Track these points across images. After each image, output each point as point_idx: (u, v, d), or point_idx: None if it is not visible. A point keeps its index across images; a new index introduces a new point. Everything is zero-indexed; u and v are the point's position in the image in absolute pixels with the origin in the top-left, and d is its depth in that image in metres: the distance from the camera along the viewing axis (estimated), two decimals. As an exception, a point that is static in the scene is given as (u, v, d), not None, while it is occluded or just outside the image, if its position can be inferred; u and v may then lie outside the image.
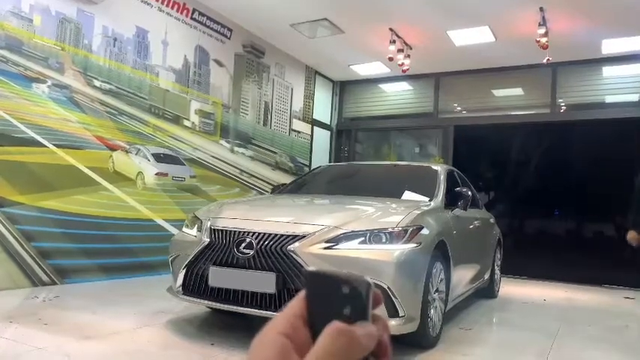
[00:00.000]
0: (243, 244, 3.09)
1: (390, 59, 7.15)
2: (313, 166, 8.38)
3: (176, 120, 6.23)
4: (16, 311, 3.67)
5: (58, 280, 4.77)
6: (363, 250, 3.01)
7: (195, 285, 3.26)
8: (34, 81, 4.69)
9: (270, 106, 7.97)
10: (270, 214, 3.42)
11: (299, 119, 8.71)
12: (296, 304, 0.39)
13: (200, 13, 6.49)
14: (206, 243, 3.23)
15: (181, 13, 6.22)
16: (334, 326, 0.36)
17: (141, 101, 5.75)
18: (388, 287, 2.88)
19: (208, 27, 6.65)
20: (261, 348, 0.37)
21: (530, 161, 13.25)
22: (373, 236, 3.05)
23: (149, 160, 5.83)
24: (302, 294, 0.39)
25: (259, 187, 7.66)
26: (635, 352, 3.69)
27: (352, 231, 3.06)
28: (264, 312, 2.95)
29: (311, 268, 0.39)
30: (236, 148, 7.25)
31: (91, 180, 5.15)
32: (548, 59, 6.60)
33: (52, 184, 4.78)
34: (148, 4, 5.78)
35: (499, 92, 8.79)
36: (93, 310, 3.81)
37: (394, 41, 7.05)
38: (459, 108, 8.99)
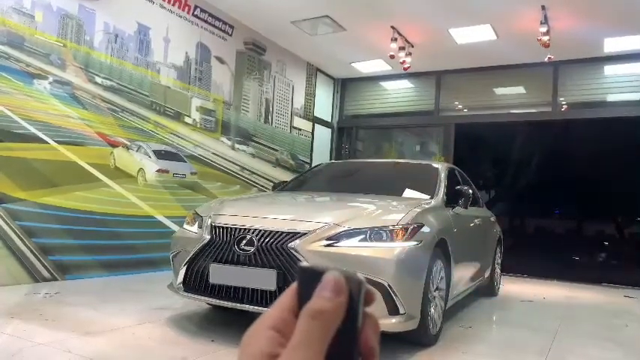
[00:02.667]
0: (244, 242, 3.09)
1: (392, 57, 7.14)
2: (314, 164, 8.39)
3: (177, 117, 6.23)
4: (17, 307, 3.68)
5: (59, 276, 4.78)
6: (363, 248, 3.01)
7: (195, 282, 3.26)
8: (35, 77, 4.69)
9: (271, 103, 7.97)
10: (270, 212, 3.42)
11: (300, 117, 8.70)
12: (287, 299, 0.39)
13: (202, 10, 6.49)
14: (207, 240, 3.23)
15: (183, 9, 6.21)
16: (305, 310, 0.36)
17: (142, 98, 5.75)
18: (389, 285, 2.88)
19: (210, 24, 6.64)
20: (252, 341, 0.37)
21: (531, 160, 13.25)
22: (374, 234, 3.06)
23: (150, 157, 5.83)
24: (292, 288, 0.39)
25: (260, 185, 7.66)
26: (635, 351, 3.70)
27: (353, 228, 3.07)
28: (265, 309, 2.94)
29: (303, 264, 0.39)
30: (237, 145, 7.26)
31: (92, 176, 5.15)
32: (550, 57, 6.59)
33: (53, 180, 4.79)
34: (149, 0, 5.78)
35: (500, 90, 8.78)
36: (94, 306, 3.83)
37: (395, 39, 7.04)
38: (460, 106, 8.98)
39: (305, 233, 3.03)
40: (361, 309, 0.38)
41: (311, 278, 0.38)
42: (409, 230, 3.12)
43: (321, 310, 0.36)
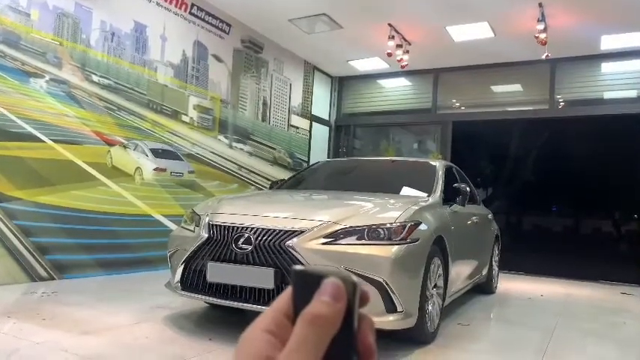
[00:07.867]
0: (242, 240, 3.09)
1: (389, 55, 7.14)
2: (312, 162, 8.38)
3: (174, 115, 6.22)
4: (14, 306, 3.67)
5: (57, 275, 4.77)
6: (361, 246, 3.01)
7: (193, 280, 3.26)
8: (31, 76, 4.67)
9: (268, 101, 7.96)
10: (268, 210, 3.42)
11: (297, 115, 8.69)
12: (282, 302, 0.39)
13: (199, 8, 6.47)
14: (204, 238, 3.23)
15: (180, 7, 6.20)
16: (304, 315, 0.36)
17: (139, 96, 5.74)
18: (386, 283, 2.89)
19: (207, 22, 6.63)
20: (247, 344, 0.37)
21: (528, 157, 13.28)
22: (371, 232, 3.06)
23: (147, 156, 5.82)
24: (288, 291, 0.39)
25: (258, 183, 7.66)
26: (632, 348, 3.71)
27: (350, 226, 3.06)
28: (263, 307, 2.95)
29: (297, 267, 0.39)
30: (234, 144, 7.25)
31: (89, 175, 5.14)
32: (547, 55, 6.59)
33: (49, 179, 4.77)
34: (146, -2, 5.76)
35: (498, 88, 8.79)
36: (91, 305, 3.82)
37: (393, 37, 7.03)
38: (457, 104, 8.98)
39: (302, 231, 3.03)
40: (356, 310, 0.38)
41: (306, 282, 0.38)
42: (406, 228, 3.12)
43: (320, 315, 0.36)
